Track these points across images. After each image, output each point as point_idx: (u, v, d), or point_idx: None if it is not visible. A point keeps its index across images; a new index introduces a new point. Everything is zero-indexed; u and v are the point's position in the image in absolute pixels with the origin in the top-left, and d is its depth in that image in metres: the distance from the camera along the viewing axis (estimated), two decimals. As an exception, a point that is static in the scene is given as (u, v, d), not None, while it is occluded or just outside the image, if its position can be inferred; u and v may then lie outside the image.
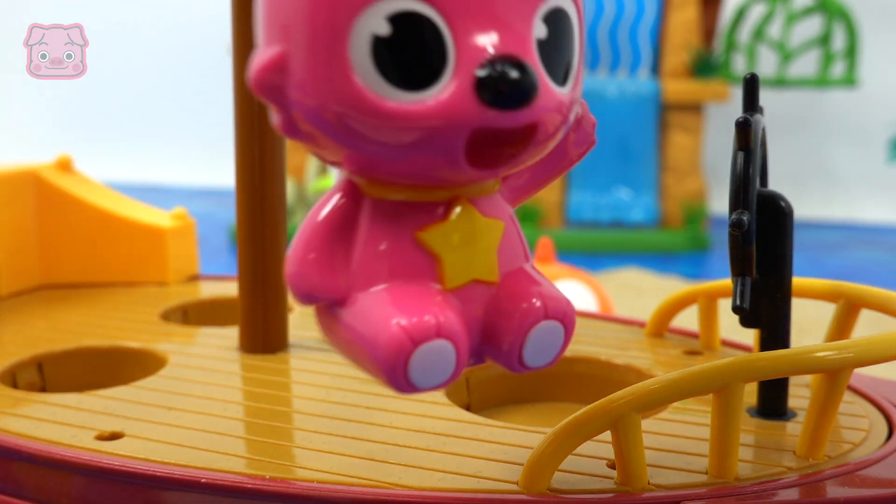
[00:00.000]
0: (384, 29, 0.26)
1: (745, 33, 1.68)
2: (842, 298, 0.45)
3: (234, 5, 0.50)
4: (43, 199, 0.65)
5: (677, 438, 0.39)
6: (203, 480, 0.36)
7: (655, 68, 1.66)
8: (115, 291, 0.65)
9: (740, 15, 1.66)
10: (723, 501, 0.34)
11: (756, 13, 1.70)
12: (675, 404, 0.42)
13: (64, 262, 0.66)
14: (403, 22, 0.26)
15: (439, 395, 0.45)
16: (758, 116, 0.39)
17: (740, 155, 0.38)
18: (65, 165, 0.68)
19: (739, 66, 1.68)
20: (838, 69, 1.64)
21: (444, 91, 0.26)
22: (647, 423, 0.41)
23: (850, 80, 1.62)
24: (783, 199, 0.40)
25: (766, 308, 0.41)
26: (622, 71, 1.67)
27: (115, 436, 0.40)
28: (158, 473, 0.37)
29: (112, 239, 0.66)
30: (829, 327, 0.45)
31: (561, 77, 0.28)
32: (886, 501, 0.34)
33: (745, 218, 0.37)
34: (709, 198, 1.68)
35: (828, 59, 1.63)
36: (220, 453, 0.38)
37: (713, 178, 1.77)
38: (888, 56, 1.84)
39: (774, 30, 1.67)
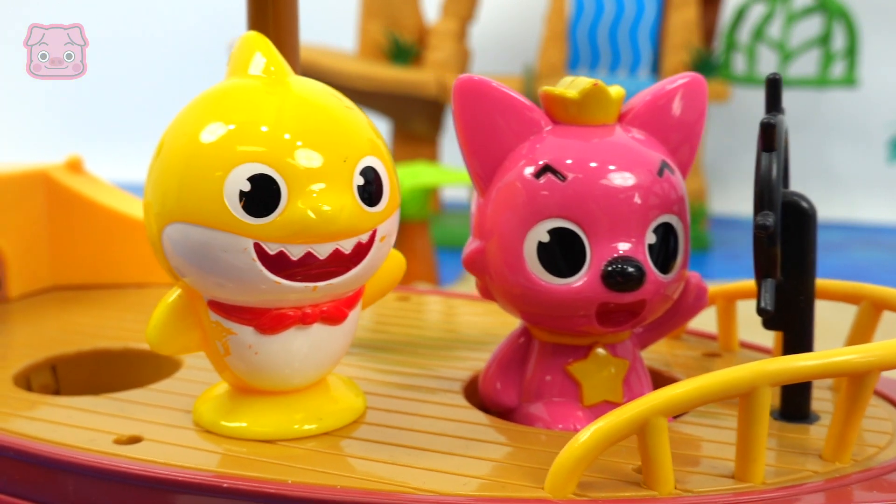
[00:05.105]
0: (545, 238, 0.39)
1: (745, 33, 1.68)
2: (864, 300, 0.45)
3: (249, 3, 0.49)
4: (53, 199, 0.65)
5: (703, 442, 0.39)
6: (225, 486, 0.36)
7: (655, 68, 1.66)
8: (127, 293, 0.64)
9: (740, 15, 1.66)
10: (750, 506, 0.34)
11: (756, 13, 1.70)
12: (700, 408, 0.42)
13: (75, 263, 0.66)
14: (558, 234, 0.39)
15: (460, 399, 0.44)
16: (781, 117, 0.39)
17: (765, 156, 0.38)
18: (75, 166, 0.67)
19: (739, 66, 1.67)
20: (838, 69, 1.64)
21: (582, 279, 0.39)
22: (672, 427, 0.41)
23: (850, 80, 1.62)
24: (806, 200, 0.40)
25: (790, 310, 0.40)
26: (622, 71, 1.67)
27: (133, 440, 0.40)
28: (181, 478, 0.36)
29: (123, 240, 0.65)
30: (850, 329, 0.45)
31: (665, 268, 0.40)
32: (915, 506, 0.34)
33: (770, 220, 0.36)
34: (709, 198, 1.68)
35: (828, 59, 1.63)
36: (240, 457, 0.38)
37: (713, 178, 1.77)
38: (888, 56, 1.84)
39: (774, 30, 1.67)
